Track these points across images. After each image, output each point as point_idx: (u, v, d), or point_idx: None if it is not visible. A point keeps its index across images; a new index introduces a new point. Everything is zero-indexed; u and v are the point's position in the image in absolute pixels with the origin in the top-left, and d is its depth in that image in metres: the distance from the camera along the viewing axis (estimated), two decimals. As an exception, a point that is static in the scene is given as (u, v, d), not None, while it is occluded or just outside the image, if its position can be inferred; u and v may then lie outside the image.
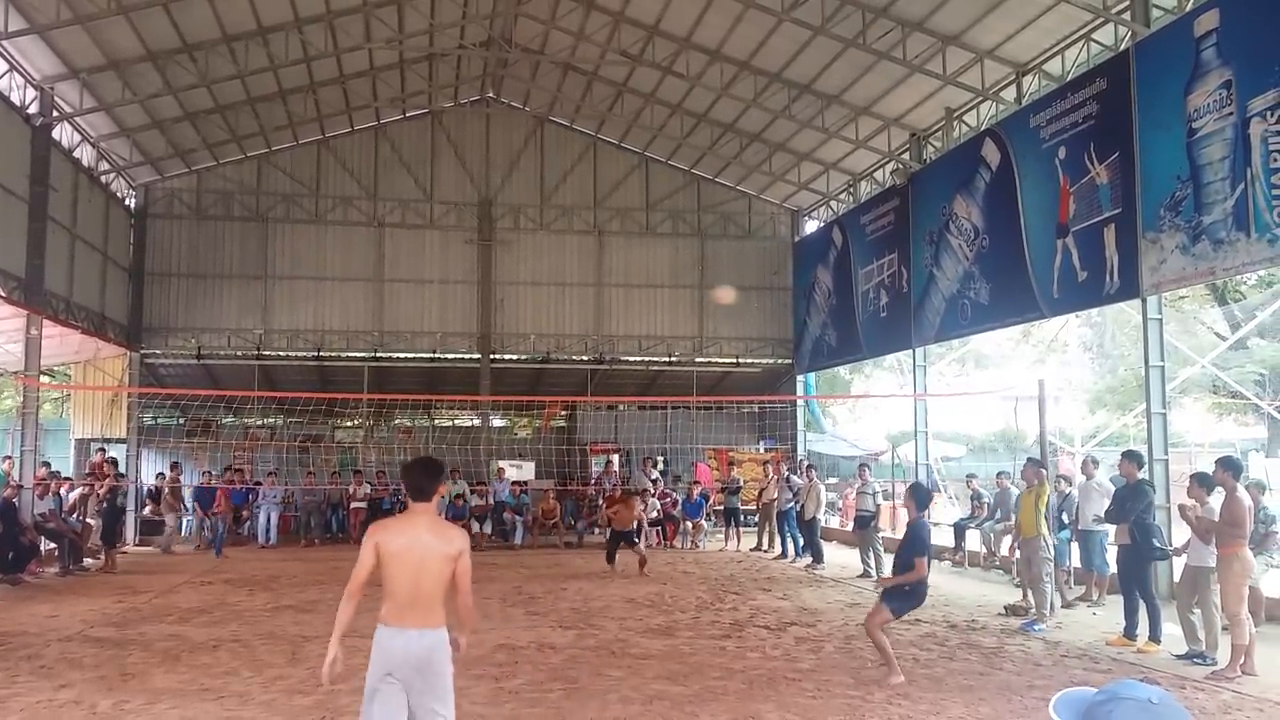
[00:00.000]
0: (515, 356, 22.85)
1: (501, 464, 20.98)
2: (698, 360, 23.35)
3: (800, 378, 23.97)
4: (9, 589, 12.72)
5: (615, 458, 22.33)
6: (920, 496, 8.14)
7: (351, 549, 4.42)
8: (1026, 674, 7.99)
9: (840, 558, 16.45)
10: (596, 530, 18.75)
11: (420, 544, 4.21)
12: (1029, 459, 11.58)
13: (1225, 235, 10.82)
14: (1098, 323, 26.83)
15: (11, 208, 14.68)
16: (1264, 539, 10.47)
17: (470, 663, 7.75)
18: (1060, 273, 13.82)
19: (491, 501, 19.42)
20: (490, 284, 22.45)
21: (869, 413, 34.41)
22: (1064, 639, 9.59)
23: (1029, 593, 10.82)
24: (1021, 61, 15.29)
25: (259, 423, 23.89)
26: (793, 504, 16.77)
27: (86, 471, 18.34)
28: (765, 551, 17.91)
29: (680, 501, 19.51)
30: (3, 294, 14.32)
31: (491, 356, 22.41)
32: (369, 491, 19.22)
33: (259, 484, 19.23)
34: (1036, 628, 10.01)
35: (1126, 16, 12.80)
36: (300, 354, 21.75)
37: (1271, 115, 10.17)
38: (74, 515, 15.81)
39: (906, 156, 18.47)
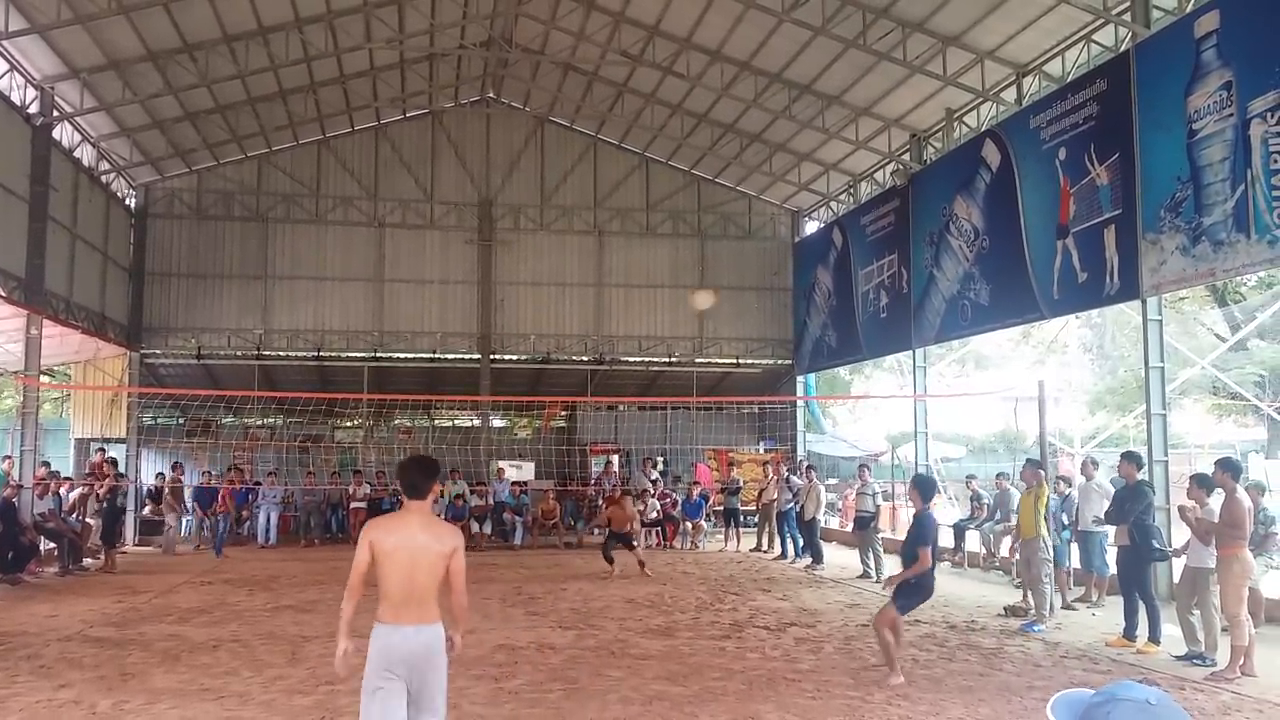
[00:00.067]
0: (515, 357, 22.86)
1: (501, 464, 20.98)
2: (698, 361, 23.36)
3: (800, 378, 23.97)
4: (9, 589, 12.72)
5: (615, 458, 22.33)
6: (925, 488, 8.12)
7: (351, 549, 4.44)
8: (1026, 675, 7.99)
9: (840, 558, 16.45)
10: (596, 531, 18.75)
11: (414, 542, 4.25)
12: (1028, 460, 11.58)
13: (1225, 236, 10.82)
14: (1098, 324, 26.83)
15: (12, 207, 14.69)
16: (1264, 540, 10.46)
17: (470, 663, 7.76)
18: (1060, 274, 13.82)
19: (491, 502, 19.42)
20: (490, 284, 22.46)
21: (869, 413, 34.40)
22: (1063, 640, 9.59)
23: (1028, 594, 10.82)
24: (1022, 62, 15.29)
25: (259, 423, 23.90)
26: (792, 505, 16.76)
27: (86, 471, 18.34)
28: (765, 552, 17.91)
29: (680, 502, 19.51)
30: (3, 294, 14.32)
31: (491, 357, 22.41)
32: (369, 492, 19.21)
33: (259, 484, 19.23)
34: (1036, 628, 10.02)
35: (1127, 18, 12.80)
36: (300, 354, 21.76)
37: (1272, 116, 10.18)
38: (74, 515, 15.81)
39: (907, 157, 18.47)
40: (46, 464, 16.33)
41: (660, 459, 21.87)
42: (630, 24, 17.71)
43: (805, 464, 18.81)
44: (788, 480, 17.13)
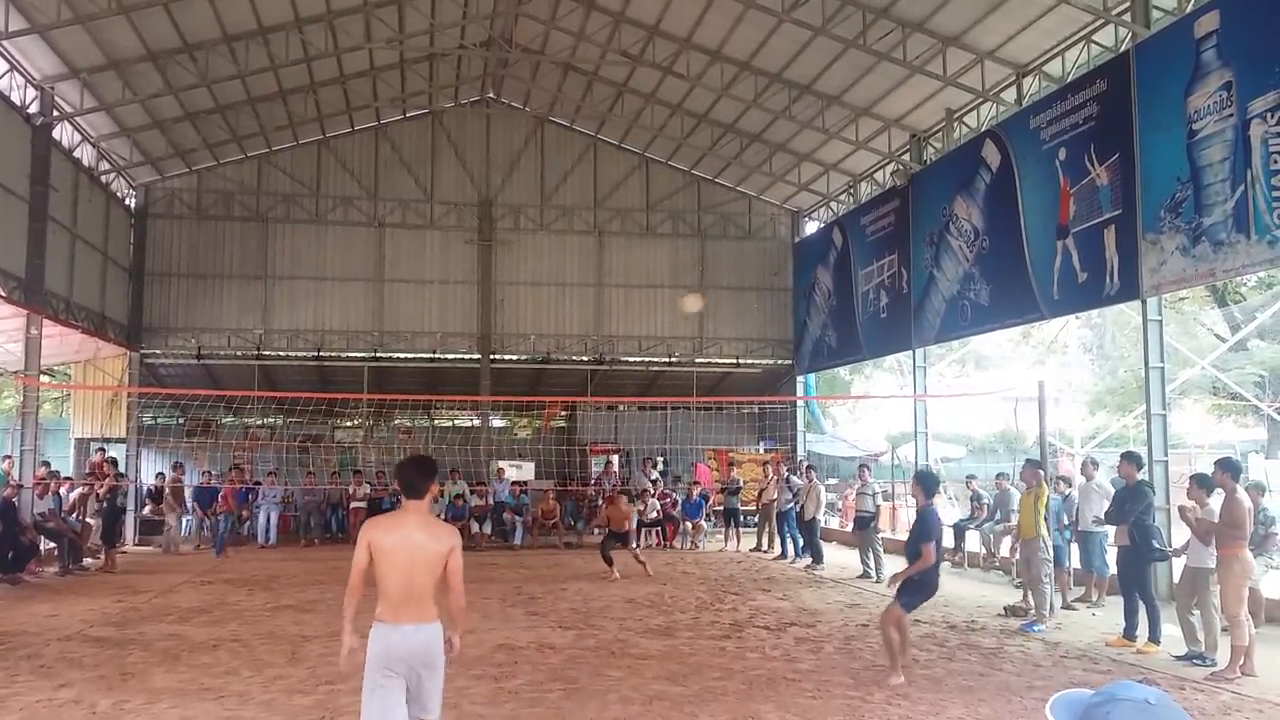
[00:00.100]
0: (515, 357, 22.86)
1: (501, 464, 20.98)
2: (698, 361, 23.36)
3: (800, 378, 23.98)
4: (9, 588, 12.72)
5: (615, 458, 22.33)
6: (927, 483, 8.10)
7: (351, 549, 4.47)
8: (1026, 675, 7.99)
9: (840, 558, 16.45)
10: (597, 531, 18.75)
11: (411, 541, 4.29)
12: (1027, 460, 11.58)
13: (1225, 237, 10.82)
14: (1098, 324, 26.84)
15: (12, 207, 14.69)
16: (1264, 540, 10.46)
17: (470, 663, 7.76)
18: (1060, 274, 13.83)
19: (491, 502, 19.41)
20: (490, 284, 22.46)
21: (869, 413, 34.40)
22: (1063, 640, 9.59)
23: (1028, 594, 10.82)
24: (1022, 63, 15.29)
25: (259, 423, 23.91)
26: (792, 504, 16.76)
27: (86, 471, 18.34)
28: (765, 552, 17.90)
29: (680, 502, 19.51)
30: (3, 293, 14.32)
31: (491, 357, 22.42)
32: (369, 491, 19.20)
33: (258, 484, 19.23)
34: (1036, 628, 10.02)
35: (1127, 18, 12.81)
36: (300, 354, 21.76)
37: (1272, 117, 10.18)
38: (74, 515, 15.81)
39: (907, 157, 18.47)
40: (46, 464, 16.34)
41: (660, 459, 21.87)
42: (630, 24, 17.71)
43: (805, 464, 18.81)
44: (788, 480, 17.13)
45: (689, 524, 19.13)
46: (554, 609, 11.18)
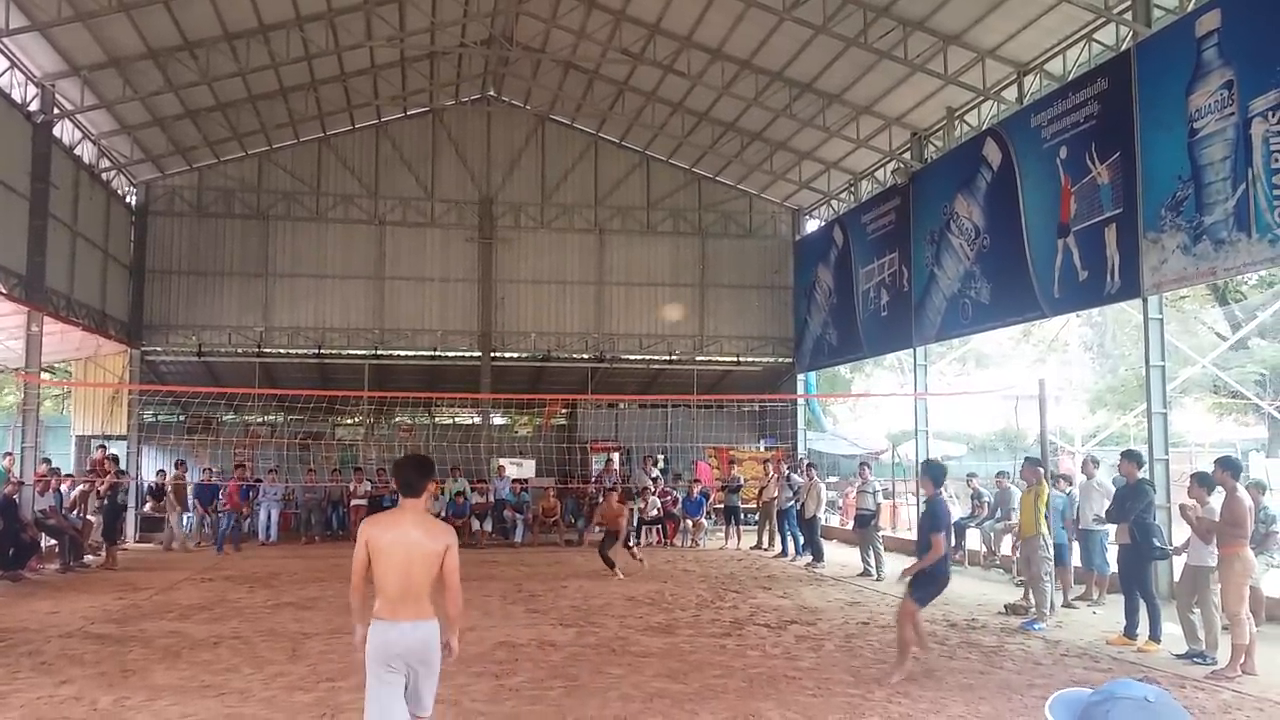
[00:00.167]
0: (516, 355, 22.87)
1: (502, 462, 20.99)
2: (698, 359, 23.37)
3: (801, 376, 23.98)
4: (10, 585, 12.73)
5: (616, 456, 22.33)
6: (935, 473, 8.06)
7: (351, 546, 4.51)
8: (1027, 673, 7.99)
9: (840, 556, 16.45)
10: (597, 529, 18.76)
11: (408, 539, 4.36)
12: (1027, 458, 11.58)
13: (1226, 235, 10.82)
14: (1098, 322, 26.82)
15: (12, 205, 14.69)
16: (1264, 539, 10.46)
17: (471, 660, 7.76)
18: (1061, 272, 13.82)
19: (492, 499, 19.44)
20: (491, 282, 22.47)
21: (869, 412, 34.36)
22: (1064, 638, 9.60)
23: (1029, 592, 10.82)
24: (1023, 61, 15.28)
25: (260, 420, 23.91)
26: (793, 502, 16.78)
27: (87, 468, 18.35)
28: (765, 550, 17.91)
29: (680, 500, 19.51)
30: (4, 291, 14.32)
31: (492, 354, 22.43)
32: (369, 489, 19.22)
33: (259, 481, 19.24)
34: (1036, 626, 10.02)
35: (1128, 16, 12.80)
36: (301, 351, 21.76)
37: (1273, 115, 10.17)
38: (74, 512, 15.82)
39: (908, 156, 18.46)
40: (47, 461, 16.36)
41: (661, 457, 21.90)
42: (631, 22, 17.70)
43: (806, 462, 18.83)
44: (788, 478, 17.14)
45: (689, 522, 19.14)
46: (554, 606, 11.19)
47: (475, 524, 18.78)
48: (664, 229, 23.45)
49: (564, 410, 24.98)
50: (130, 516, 18.57)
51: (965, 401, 27.17)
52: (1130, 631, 9.30)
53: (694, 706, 6.72)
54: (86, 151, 17.91)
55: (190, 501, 18.84)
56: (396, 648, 4.29)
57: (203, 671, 7.71)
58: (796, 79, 17.98)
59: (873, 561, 14.27)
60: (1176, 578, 9.39)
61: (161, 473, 19.04)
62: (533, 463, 21.92)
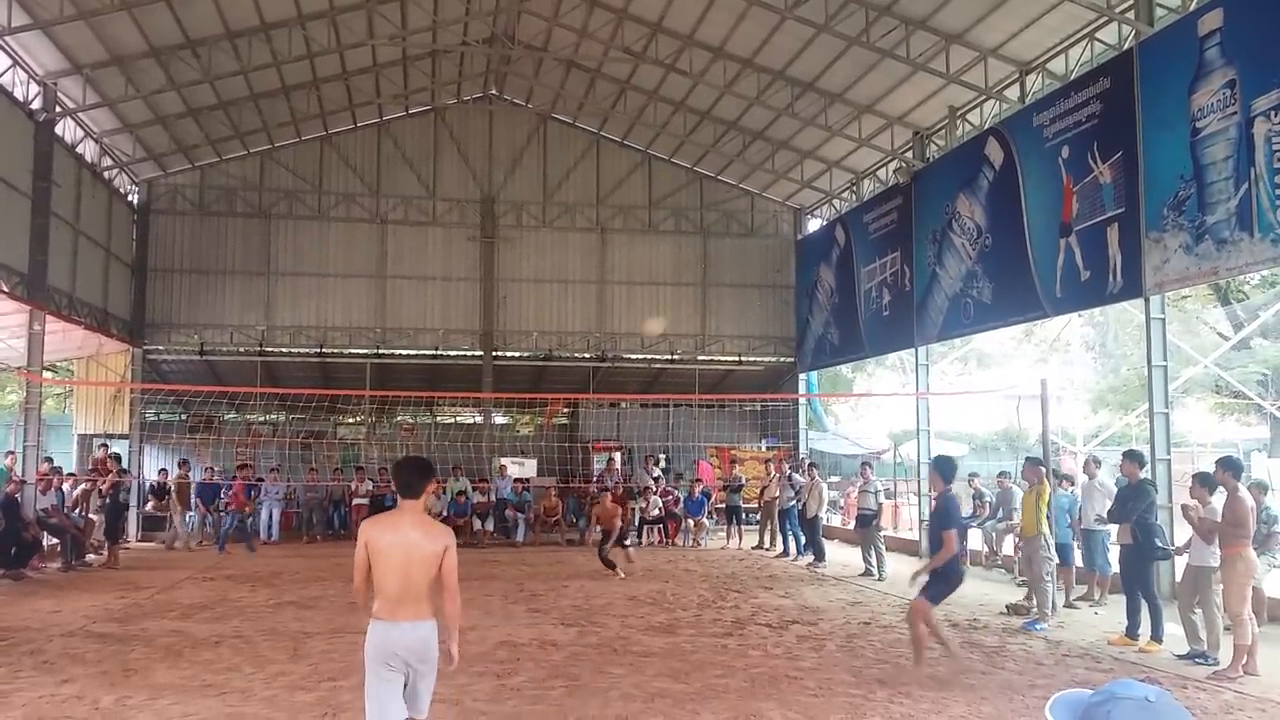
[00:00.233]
0: (517, 354, 22.86)
1: (504, 461, 21.01)
2: (700, 358, 23.36)
3: (802, 376, 23.97)
4: (12, 584, 12.75)
5: (617, 455, 22.32)
6: (945, 469, 7.95)
7: (353, 545, 4.52)
8: (1028, 673, 7.99)
9: (842, 556, 16.45)
10: (597, 529, 18.76)
11: (406, 540, 4.39)
12: (1028, 458, 11.57)
13: (1228, 235, 10.80)
14: (1100, 322, 26.79)
15: (14, 203, 14.70)
16: (1266, 539, 10.44)
17: (472, 660, 7.76)
18: (1063, 272, 13.81)
19: (494, 499, 19.44)
20: (493, 281, 22.47)
21: (871, 411, 34.36)
22: (1066, 638, 9.59)
23: (1031, 592, 10.81)
24: (1025, 60, 15.26)
25: (261, 419, 23.92)
26: (795, 502, 16.78)
27: (89, 467, 18.37)
28: (767, 550, 17.91)
29: (682, 499, 19.51)
30: (6, 289, 14.33)
31: (494, 354, 22.43)
32: (371, 488, 19.22)
33: (261, 480, 19.25)
34: (1038, 627, 10.01)
35: (1130, 15, 12.78)
36: (303, 350, 21.76)
37: (1275, 115, 10.15)
38: (76, 511, 15.84)
39: (910, 155, 18.44)
40: (49, 460, 16.37)
41: (662, 456, 21.89)
42: (633, 21, 17.69)
43: (807, 461, 18.83)
44: (790, 478, 17.14)
45: (691, 521, 19.15)
46: (556, 606, 11.19)
47: (477, 523, 18.79)
48: (666, 228, 23.44)
49: (566, 409, 24.98)
50: (132, 515, 18.58)
51: (967, 401, 27.16)
52: (1132, 632, 9.29)
53: (695, 706, 6.72)
54: (89, 150, 17.92)
55: (193, 501, 18.87)
56: (395, 647, 4.33)
57: (204, 671, 7.71)
58: (798, 78, 17.97)
59: (874, 561, 14.27)
60: (1178, 578, 9.39)
61: (164, 471, 19.06)
62: (534, 462, 21.92)
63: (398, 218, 22.28)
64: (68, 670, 7.68)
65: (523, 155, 22.90)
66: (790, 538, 16.87)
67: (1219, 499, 8.53)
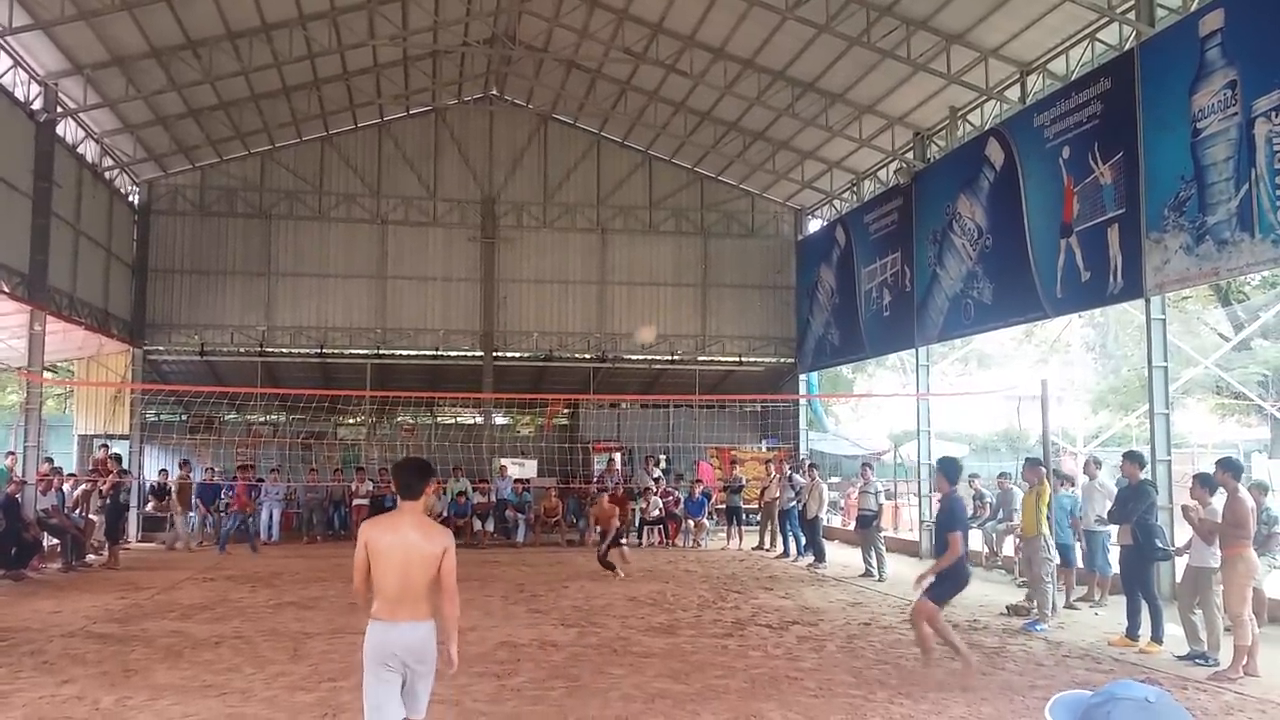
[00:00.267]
0: (518, 354, 22.86)
1: (504, 462, 21.00)
2: (700, 359, 23.36)
3: (803, 377, 23.96)
4: (12, 584, 12.75)
5: (617, 456, 22.33)
6: (950, 470, 7.93)
7: (353, 546, 4.53)
8: (1028, 674, 7.99)
9: (842, 557, 16.44)
10: (599, 531, 18.75)
11: (406, 541, 4.40)
12: (1028, 459, 11.57)
13: (1229, 236, 10.80)
14: (1100, 323, 26.77)
15: (15, 203, 14.70)
16: (1266, 540, 10.44)
17: (472, 660, 7.76)
18: (1064, 273, 13.80)
19: (494, 499, 19.44)
20: (493, 281, 22.47)
21: (871, 412, 34.35)
22: (1066, 639, 9.59)
23: (1031, 593, 10.81)
24: (1026, 61, 15.26)
25: (262, 419, 23.93)
26: (795, 503, 16.77)
27: (90, 468, 18.37)
28: (767, 550, 17.90)
29: (682, 500, 19.51)
30: (6, 290, 14.34)
31: (494, 354, 22.43)
32: (371, 489, 19.22)
33: (261, 481, 19.25)
34: (1038, 627, 10.01)
35: (1131, 16, 12.77)
36: (303, 351, 21.76)
37: (1276, 115, 10.15)
38: (77, 511, 15.84)
39: (910, 155, 18.44)
40: (50, 460, 16.37)
41: (663, 457, 21.89)
42: (633, 21, 17.70)
43: (808, 462, 18.82)
44: (790, 478, 17.14)
45: (691, 522, 19.14)
46: (556, 607, 11.19)
47: (477, 524, 18.79)
48: (666, 229, 23.44)
49: (566, 410, 24.98)
50: (132, 516, 18.59)
51: (967, 402, 27.15)
52: (1132, 633, 9.29)
53: (695, 707, 6.72)
54: (89, 150, 17.93)
55: (193, 501, 18.88)
56: (394, 647, 4.34)
57: (204, 671, 7.71)
58: (799, 78, 17.97)
59: (875, 562, 14.27)
60: (1178, 579, 9.38)
61: (164, 472, 19.05)
62: (534, 463, 21.92)
63: (398, 218, 22.28)
64: (68, 671, 7.68)
65: (523, 156, 22.91)
66: (790, 538, 16.87)
67: (1219, 500, 8.52)
